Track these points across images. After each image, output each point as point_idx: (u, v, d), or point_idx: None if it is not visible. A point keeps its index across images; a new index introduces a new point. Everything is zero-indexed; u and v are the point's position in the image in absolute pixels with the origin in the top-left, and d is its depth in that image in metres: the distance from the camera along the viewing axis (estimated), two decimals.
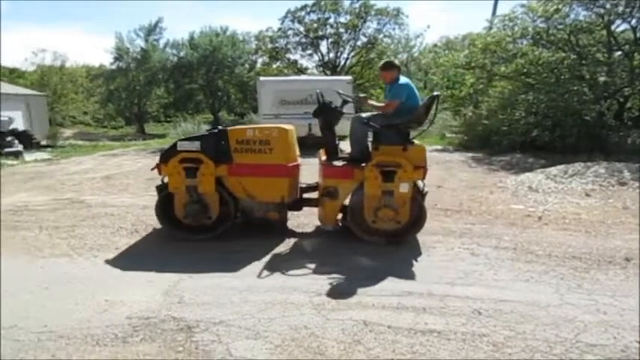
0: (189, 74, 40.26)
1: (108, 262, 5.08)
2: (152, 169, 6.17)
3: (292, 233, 6.11)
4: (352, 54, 37.14)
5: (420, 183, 5.73)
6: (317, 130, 15.09)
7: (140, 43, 40.48)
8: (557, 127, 13.88)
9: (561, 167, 9.76)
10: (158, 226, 6.17)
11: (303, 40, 36.12)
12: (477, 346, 3.29)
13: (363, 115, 5.90)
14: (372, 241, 5.56)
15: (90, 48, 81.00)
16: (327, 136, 5.93)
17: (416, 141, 5.72)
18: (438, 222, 6.56)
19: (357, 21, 34.74)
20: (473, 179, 10.08)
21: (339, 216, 5.92)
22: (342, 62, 36.50)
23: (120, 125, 43.05)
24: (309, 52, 37.06)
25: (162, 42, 41.42)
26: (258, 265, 4.91)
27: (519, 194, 8.41)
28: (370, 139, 5.75)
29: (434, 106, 5.72)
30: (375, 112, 5.93)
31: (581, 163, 9.92)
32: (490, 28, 18.57)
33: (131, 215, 7.09)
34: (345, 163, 5.72)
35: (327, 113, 5.84)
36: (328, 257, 5.16)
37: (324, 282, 4.42)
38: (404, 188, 5.33)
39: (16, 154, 16.74)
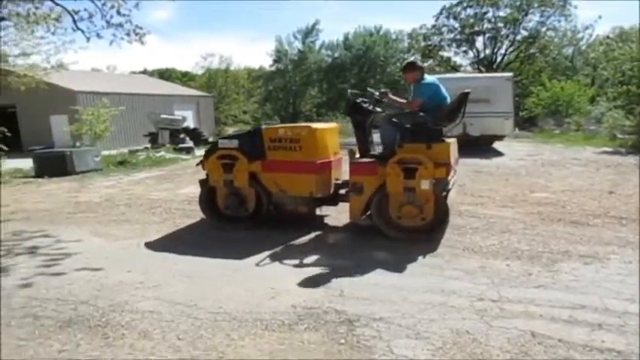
0: (342, 74, 41.43)
1: (272, 252, 5.39)
2: (197, 164, 6.78)
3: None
4: (511, 49, 35.41)
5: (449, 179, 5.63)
6: (472, 130, 14.58)
7: (298, 45, 42.62)
8: None
9: None
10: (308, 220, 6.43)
11: (458, 36, 35.27)
12: None
13: (391, 114, 5.94)
14: (398, 237, 5.62)
15: (252, 51, 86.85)
16: (359, 134, 6.02)
17: (447, 139, 5.78)
18: (612, 231, 5.97)
19: (517, 14, 33.02)
20: None
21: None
22: (499, 59, 34.94)
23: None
24: (463, 48, 36.17)
25: (317, 43, 43.24)
26: (414, 265, 4.88)
27: None
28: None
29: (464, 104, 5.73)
30: (402, 111, 5.97)
31: None
32: None
33: None
34: (371, 160, 5.79)
35: (357, 112, 5.94)
36: (489, 258, 4.96)
37: (484, 287, 4.25)
38: (425, 185, 5.39)
39: (188, 150, 18.47)
